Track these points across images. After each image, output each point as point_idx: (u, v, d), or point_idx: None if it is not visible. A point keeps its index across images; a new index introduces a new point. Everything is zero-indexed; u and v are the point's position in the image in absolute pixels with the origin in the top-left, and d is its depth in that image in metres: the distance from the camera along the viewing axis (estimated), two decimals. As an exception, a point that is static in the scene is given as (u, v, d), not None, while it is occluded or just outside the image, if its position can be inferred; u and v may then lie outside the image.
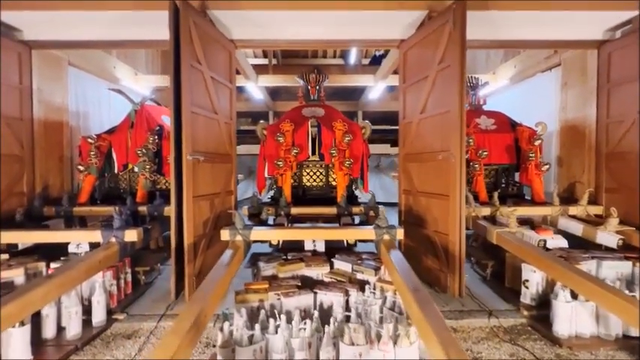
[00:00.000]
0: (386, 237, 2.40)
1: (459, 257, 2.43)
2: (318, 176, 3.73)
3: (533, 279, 2.31)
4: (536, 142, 3.28)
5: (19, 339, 1.70)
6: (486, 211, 3.06)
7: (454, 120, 2.42)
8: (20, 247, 2.68)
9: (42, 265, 2.46)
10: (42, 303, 1.76)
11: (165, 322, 2.30)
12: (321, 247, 2.80)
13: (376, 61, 6.91)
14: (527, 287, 2.34)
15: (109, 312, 2.30)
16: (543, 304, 2.29)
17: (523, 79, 4.48)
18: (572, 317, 2.00)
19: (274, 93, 7.17)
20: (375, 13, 2.93)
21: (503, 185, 3.71)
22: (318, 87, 4.02)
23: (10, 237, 2.47)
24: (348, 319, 1.83)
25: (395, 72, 4.70)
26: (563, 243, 2.70)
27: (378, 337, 1.62)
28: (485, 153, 3.26)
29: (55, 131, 3.61)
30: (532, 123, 3.50)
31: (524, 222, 3.00)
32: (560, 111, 3.77)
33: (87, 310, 2.20)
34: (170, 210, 3.05)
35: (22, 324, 1.73)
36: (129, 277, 2.61)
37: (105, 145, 3.52)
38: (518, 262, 2.53)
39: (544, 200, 3.32)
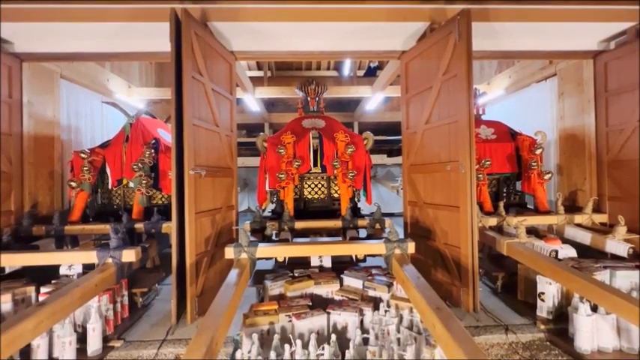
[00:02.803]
0: (397, 251, 2.32)
1: (472, 270, 2.36)
2: (319, 188, 3.65)
3: (549, 291, 2.25)
4: (538, 151, 3.29)
5: (7, 376, 1.54)
6: (492, 221, 3.02)
7: (462, 130, 2.40)
8: (7, 270, 2.50)
9: (31, 289, 2.30)
10: (32, 335, 1.60)
11: (166, 348, 2.15)
12: (327, 263, 2.70)
13: (371, 72, 6.98)
14: (543, 300, 2.28)
15: (105, 339, 2.14)
16: (560, 317, 2.23)
17: (518, 90, 4.55)
18: (593, 331, 1.94)
19: (270, 105, 7.13)
20: (377, 24, 2.93)
21: (505, 195, 3.70)
22: (317, 98, 3.99)
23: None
24: (365, 341, 1.73)
25: (392, 83, 4.74)
26: (573, 252, 2.67)
27: (401, 358, 1.52)
28: (488, 162, 3.25)
29: (45, 146, 3.45)
30: (529, 132, 3.52)
31: (528, 231, 2.97)
32: (558, 120, 3.81)
33: (81, 338, 2.04)
34: (168, 227, 2.97)
35: (10, 359, 1.57)
36: (126, 300, 2.45)
37: (98, 160, 3.38)
38: (531, 274, 2.48)
39: (548, 209, 3.31)
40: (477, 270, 2.39)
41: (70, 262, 2.36)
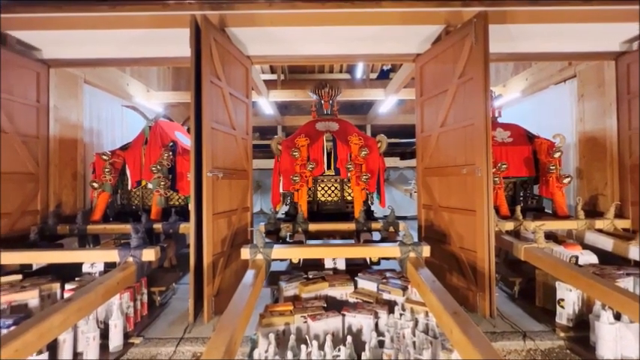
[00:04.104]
0: (412, 254, 2.32)
1: (488, 275, 2.33)
2: (332, 191, 3.67)
3: (570, 298, 2.20)
4: (556, 155, 3.22)
5: (36, 368, 1.61)
6: (509, 225, 2.98)
7: (479, 133, 2.38)
8: (34, 267, 2.61)
9: (56, 286, 2.39)
10: (60, 330, 1.67)
11: (184, 346, 2.20)
12: (341, 265, 2.71)
13: (384, 75, 6.97)
14: (562, 307, 2.23)
15: (126, 335, 2.20)
16: (581, 324, 2.18)
17: (535, 92, 4.47)
18: (616, 340, 1.89)
19: (283, 108, 7.21)
20: (391, 28, 2.94)
21: (521, 199, 3.63)
22: (331, 101, 4.02)
23: (24, 257, 2.40)
24: (381, 344, 1.73)
25: (406, 86, 4.72)
26: (594, 259, 2.60)
27: (417, 364, 1.52)
28: (504, 166, 3.20)
29: (69, 148, 3.60)
30: (546, 135, 3.46)
31: (546, 236, 2.91)
32: (578, 123, 3.72)
33: (102, 334, 2.11)
34: (185, 227, 3.04)
35: (40, 352, 1.64)
36: (145, 298, 2.52)
37: (119, 162, 3.49)
38: (550, 280, 2.43)
39: (567, 214, 3.23)
40: (494, 275, 2.36)
41: (93, 260, 2.44)
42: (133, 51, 3.27)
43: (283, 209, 3.78)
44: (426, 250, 2.33)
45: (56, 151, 3.39)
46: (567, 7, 2.75)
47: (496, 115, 3.90)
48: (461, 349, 1.44)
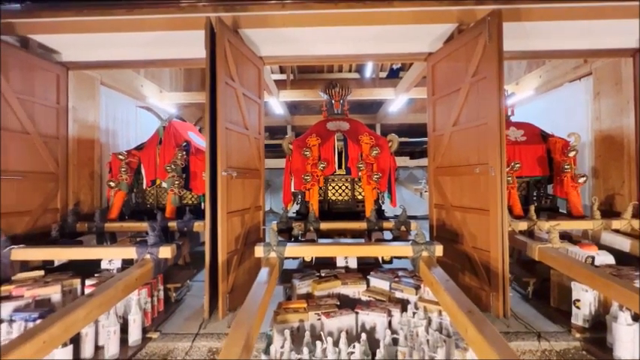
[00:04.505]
0: (424, 254, 2.32)
1: (502, 275, 2.32)
2: (343, 190, 3.69)
3: (586, 299, 2.17)
4: (571, 154, 3.17)
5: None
6: (523, 225, 2.94)
7: (492, 132, 2.36)
8: (56, 263, 2.69)
9: (77, 281, 2.47)
10: (84, 323, 1.74)
11: (200, 341, 2.25)
12: (353, 264, 2.73)
13: (393, 74, 6.95)
14: (578, 307, 2.21)
15: (143, 330, 2.27)
16: (597, 325, 2.15)
17: (549, 90, 4.40)
18: (634, 341, 1.86)
19: (292, 107, 7.24)
20: (403, 27, 2.94)
21: (535, 198, 3.59)
22: (342, 101, 4.03)
23: (47, 254, 2.49)
24: (395, 341, 1.74)
25: (416, 85, 4.71)
26: (610, 259, 2.56)
27: (432, 362, 1.53)
28: (517, 165, 3.16)
29: (86, 148, 3.70)
30: (561, 134, 3.40)
31: (560, 237, 2.86)
32: (594, 121, 3.66)
33: (121, 329, 2.17)
34: (199, 225, 3.10)
35: (65, 345, 1.71)
36: (161, 295, 2.58)
37: (134, 162, 3.57)
38: (565, 280, 2.41)
39: (582, 214, 3.18)
40: (508, 275, 2.35)
41: (112, 257, 2.51)
42: (147, 53, 3.35)
43: (294, 208, 3.81)
44: (438, 250, 2.33)
45: (75, 151, 3.49)
46: (583, 3, 2.71)
47: (509, 113, 3.85)
48: (476, 347, 1.44)
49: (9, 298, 2.21)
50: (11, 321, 1.88)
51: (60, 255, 2.53)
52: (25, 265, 2.57)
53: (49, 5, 2.82)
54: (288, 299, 2.49)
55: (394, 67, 6.80)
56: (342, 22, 2.87)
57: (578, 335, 2.14)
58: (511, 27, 2.72)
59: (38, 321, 1.88)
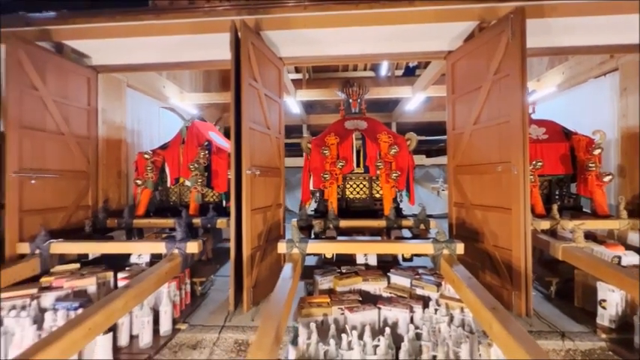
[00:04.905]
0: (445, 252, 2.34)
1: (524, 274, 2.31)
2: (361, 189, 3.72)
3: (612, 299, 2.15)
4: (596, 152, 3.10)
5: (103, 346, 1.79)
6: (545, 224, 2.91)
7: (515, 130, 2.35)
8: (90, 257, 2.84)
9: (110, 274, 2.60)
10: (122, 312, 1.85)
11: (226, 333, 2.34)
12: (373, 261, 2.76)
13: (409, 72, 6.91)
14: (604, 308, 2.18)
15: (173, 321, 2.37)
16: (624, 326, 2.12)
17: (572, 86, 4.30)
18: (664, 342, 1.83)
19: (308, 107, 7.30)
20: (423, 26, 2.94)
21: (557, 197, 3.53)
22: (359, 100, 4.06)
23: (83, 248, 2.64)
24: (417, 336, 1.78)
25: (434, 83, 4.68)
26: (637, 260, 2.51)
27: (456, 356, 1.56)
28: (540, 163, 3.12)
29: (114, 148, 3.87)
30: (585, 131, 3.33)
31: (585, 236, 2.81)
32: (620, 118, 3.56)
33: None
34: (222, 222, 3.21)
35: (106, 332, 1.82)
36: (188, 288, 2.69)
37: (159, 161, 3.71)
38: (590, 280, 2.38)
39: (608, 213, 3.11)
40: (530, 273, 2.34)
41: (143, 251, 2.64)
42: (173, 56, 3.46)
43: (311, 206, 3.87)
44: (459, 248, 2.35)
45: (104, 150, 3.66)
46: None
47: (530, 111, 3.79)
48: (501, 344, 1.46)
49: (50, 288, 2.36)
50: (55, 309, 2.01)
51: (95, 249, 2.67)
52: (62, 258, 2.73)
53: (83, 13, 2.97)
54: (309, 294, 2.55)
55: (410, 64, 6.77)
56: (362, 22, 2.90)
57: (604, 336, 2.12)
58: (534, 23, 2.69)
59: (79, 310, 2.02)
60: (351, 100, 4.07)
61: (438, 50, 3.28)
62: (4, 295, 2.18)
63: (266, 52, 2.94)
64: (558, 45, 3.06)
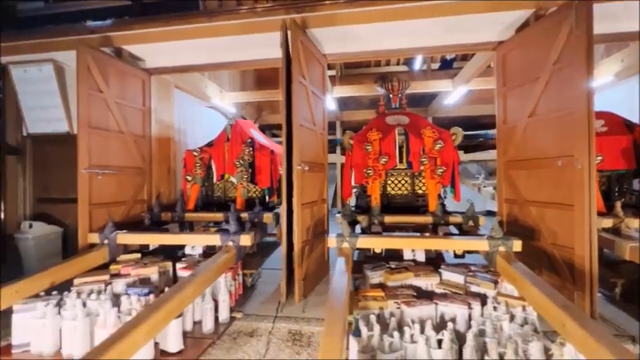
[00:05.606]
0: (502, 249, 2.28)
1: (589, 274, 2.20)
2: (403, 185, 3.68)
3: (692, 302, 1.99)
4: (665, 145, 2.88)
5: (175, 330, 1.93)
6: (607, 222, 2.74)
7: (580, 122, 2.23)
8: (151, 247, 3.05)
9: (169, 264, 2.78)
10: (192, 298, 1.98)
11: (279, 323, 2.42)
12: (421, 257, 2.74)
13: (447, 65, 6.71)
14: (681, 311, 2.03)
15: (229, 310, 2.49)
16: None
17: (632, 75, 3.98)
18: None
19: (341, 103, 7.31)
20: (472, 17, 2.85)
21: (616, 193, 3.30)
22: (400, 95, 4.02)
23: (146, 239, 2.84)
24: (480, 333, 1.75)
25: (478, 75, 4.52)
26: None
27: (525, 354, 1.52)
28: (599, 158, 2.94)
29: (164, 146, 4.09)
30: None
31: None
32: (691, 108, 3.26)
33: (211, 308, 2.41)
34: (268, 217, 3.31)
35: (178, 316, 1.95)
36: (241, 279, 2.81)
37: (206, 157, 3.88)
38: (664, 282, 2.22)
39: (679, 211, 2.88)
40: (596, 273, 2.22)
41: (200, 243, 2.79)
42: (217, 56, 3.61)
43: (354, 202, 3.88)
44: (516, 245, 2.28)
45: (156, 148, 3.89)
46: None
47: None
48: (579, 343, 1.41)
49: (118, 275, 2.57)
50: (128, 295, 2.19)
51: (157, 240, 2.86)
52: (125, 248, 2.95)
53: (140, 19, 3.16)
54: (356, 289, 2.58)
55: (448, 57, 6.57)
56: (408, 15, 2.86)
57: (680, 341, 1.98)
58: (598, 9, 2.52)
59: (151, 296, 2.17)
60: (391, 95, 4.03)
61: (487, 41, 3.18)
62: (83, 280, 2.40)
63: (312, 50, 2.98)
64: (624, 30, 2.85)
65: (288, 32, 2.64)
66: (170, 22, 3.02)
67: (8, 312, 2.00)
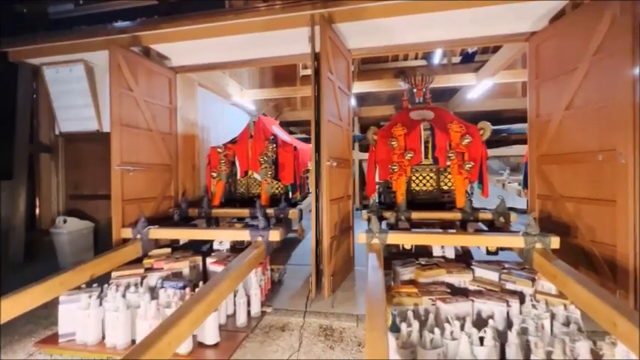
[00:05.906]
0: (538, 245, 2.22)
1: (633, 272, 2.11)
2: (428, 180, 3.63)
3: None
4: None
5: (212, 323, 1.96)
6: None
7: (623, 114, 2.14)
8: (181, 242, 3.11)
9: (199, 258, 2.83)
10: (228, 292, 2.02)
11: (309, 318, 2.43)
12: (450, 254, 2.70)
13: (468, 58, 6.55)
14: None
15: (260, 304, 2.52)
16: None
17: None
18: None
19: (360, 99, 7.25)
20: (503, 7, 2.77)
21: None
22: (424, 89, 3.95)
23: (178, 234, 2.90)
24: (522, 331, 1.72)
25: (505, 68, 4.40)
26: None
27: (572, 353, 1.48)
28: (638, 152, 2.81)
29: (189, 143, 4.16)
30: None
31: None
32: None
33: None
34: (293, 212, 3.33)
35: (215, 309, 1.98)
36: (269, 274, 2.84)
37: (230, 154, 3.92)
38: None
39: None
40: (640, 272, 2.13)
41: (230, 238, 2.84)
42: (240, 54, 3.64)
43: (377, 198, 3.85)
44: (554, 242, 2.21)
45: (182, 145, 3.96)
46: None
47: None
48: (632, 344, 1.36)
49: (152, 269, 2.63)
50: (164, 288, 2.24)
51: (187, 235, 2.92)
52: (156, 243, 3.02)
53: (167, 18, 3.21)
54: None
55: (470, 50, 6.41)
56: (436, 8, 2.80)
57: None
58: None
59: (187, 289, 2.22)
60: (415, 90, 3.98)
61: (518, 32, 3.08)
62: (120, 273, 2.48)
63: (338, 45, 2.96)
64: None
65: (316, 27, 2.63)
66: (197, 21, 3.06)
67: (54, 304, 2.09)
